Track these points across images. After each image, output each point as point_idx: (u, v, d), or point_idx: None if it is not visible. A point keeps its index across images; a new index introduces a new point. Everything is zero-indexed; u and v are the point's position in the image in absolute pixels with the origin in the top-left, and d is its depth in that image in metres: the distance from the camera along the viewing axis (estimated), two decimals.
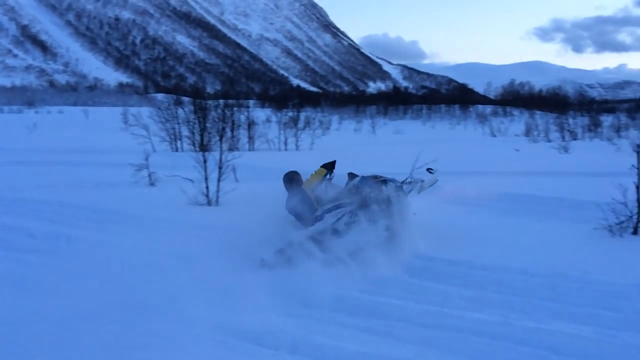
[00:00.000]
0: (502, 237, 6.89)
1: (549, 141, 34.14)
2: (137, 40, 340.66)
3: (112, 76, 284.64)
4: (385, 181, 6.35)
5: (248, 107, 32.94)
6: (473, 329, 4.29)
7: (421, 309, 4.69)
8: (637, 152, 7.27)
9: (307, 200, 6.18)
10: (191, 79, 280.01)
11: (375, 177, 6.42)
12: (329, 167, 6.74)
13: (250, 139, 28.23)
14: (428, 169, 7.15)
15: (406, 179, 6.79)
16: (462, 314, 4.56)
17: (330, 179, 6.77)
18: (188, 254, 6.16)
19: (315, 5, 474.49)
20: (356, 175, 6.54)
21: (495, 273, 5.52)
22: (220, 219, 8.44)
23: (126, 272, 5.40)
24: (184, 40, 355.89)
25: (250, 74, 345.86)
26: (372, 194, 6.09)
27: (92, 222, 8.30)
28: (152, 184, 12.07)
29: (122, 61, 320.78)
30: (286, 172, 6.70)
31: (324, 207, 6.09)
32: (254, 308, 4.54)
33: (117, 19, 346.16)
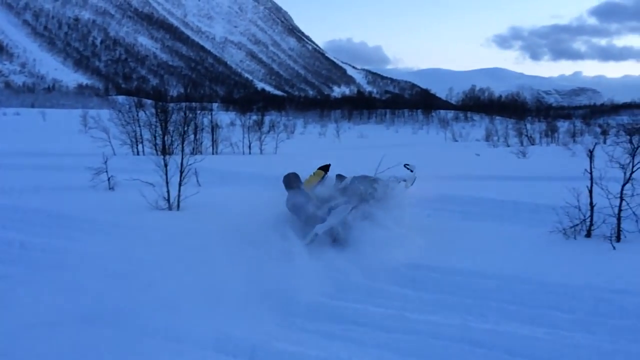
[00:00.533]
0: (461, 240, 6.99)
1: (508, 146, 34.98)
2: (98, 41, 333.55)
3: (71, 77, 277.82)
4: (375, 180, 6.96)
5: (212, 110, 32.60)
6: (432, 332, 4.34)
7: (381, 313, 4.71)
8: (590, 157, 7.51)
9: (308, 199, 6.63)
10: (153, 81, 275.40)
11: (365, 177, 7.02)
12: (325, 169, 7.27)
13: (214, 142, 27.98)
14: (405, 165, 7.58)
15: (390, 178, 7.24)
16: (421, 317, 4.61)
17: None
18: (146, 259, 6.04)
19: (279, 9, 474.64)
20: (344, 177, 7.10)
21: (454, 276, 5.59)
22: (181, 223, 8.32)
23: (81, 280, 5.26)
24: (146, 42, 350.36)
25: (214, 77, 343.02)
26: (369, 191, 6.64)
27: (48, 227, 8.06)
28: (111, 188, 11.80)
29: (81, 62, 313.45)
30: (286, 174, 7.07)
31: (331, 203, 6.49)
32: (212, 315, 4.48)
33: (76, 19, 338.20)
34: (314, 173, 7.22)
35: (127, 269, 5.62)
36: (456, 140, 52.70)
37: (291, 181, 6.97)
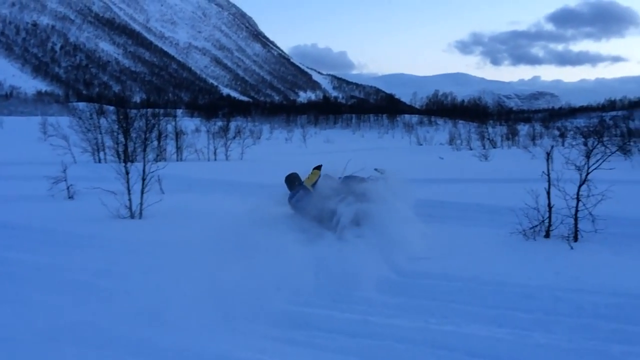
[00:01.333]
0: (424, 243, 7.05)
1: (471, 149, 35.62)
2: (57, 47, 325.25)
3: (30, 84, 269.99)
4: (363, 179, 7.47)
5: (176, 116, 32.22)
6: (395, 335, 4.35)
7: (345, 318, 4.71)
8: (547, 160, 7.71)
9: (310, 195, 7.10)
10: (115, 87, 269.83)
11: (354, 176, 7.62)
12: (319, 168, 7.65)
13: (178, 149, 27.65)
14: (375, 169, 7.83)
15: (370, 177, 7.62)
16: (384, 321, 4.62)
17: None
18: (107, 270, 5.91)
19: (244, 15, 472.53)
20: (331, 177, 7.54)
21: (416, 279, 5.64)
22: (143, 232, 8.16)
23: (38, 293, 5.09)
24: (107, 48, 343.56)
25: (178, 83, 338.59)
26: (362, 188, 7.10)
27: (2, 239, 7.79)
28: (70, 197, 11.52)
29: (40, 68, 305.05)
30: (287, 174, 7.48)
31: (336, 199, 6.93)
32: (175, 325, 4.39)
33: (34, 25, 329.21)
34: (311, 173, 7.58)
35: (86, 280, 5.48)
36: (421, 144, 53.43)
37: (293, 181, 7.41)
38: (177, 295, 4.85)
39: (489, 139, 40.73)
